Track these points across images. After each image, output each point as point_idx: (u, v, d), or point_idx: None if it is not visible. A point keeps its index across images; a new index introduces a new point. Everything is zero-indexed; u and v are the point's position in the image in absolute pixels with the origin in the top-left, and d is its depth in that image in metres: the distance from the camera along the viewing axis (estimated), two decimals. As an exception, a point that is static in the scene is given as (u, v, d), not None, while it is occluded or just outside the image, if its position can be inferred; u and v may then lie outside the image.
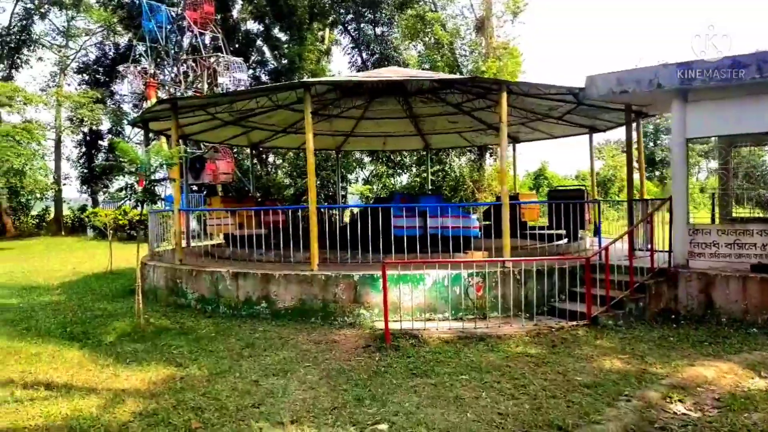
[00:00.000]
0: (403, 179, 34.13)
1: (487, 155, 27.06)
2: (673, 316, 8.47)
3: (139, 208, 8.53)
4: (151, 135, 15.04)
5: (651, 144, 52.01)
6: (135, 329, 8.11)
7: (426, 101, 15.60)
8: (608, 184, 40.20)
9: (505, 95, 9.02)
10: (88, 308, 10.05)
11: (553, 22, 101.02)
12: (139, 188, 8.87)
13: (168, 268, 10.26)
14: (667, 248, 9.13)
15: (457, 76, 14.22)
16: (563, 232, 12.31)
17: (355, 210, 17.40)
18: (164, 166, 8.87)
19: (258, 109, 13.90)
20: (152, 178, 8.32)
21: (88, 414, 5.05)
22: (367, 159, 34.53)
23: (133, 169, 8.16)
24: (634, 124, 12.27)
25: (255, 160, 36.50)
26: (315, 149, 23.80)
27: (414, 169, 31.60)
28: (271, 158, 36.50)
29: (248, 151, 35.66)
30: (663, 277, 8.69)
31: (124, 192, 9.12)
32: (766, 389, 5.62)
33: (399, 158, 31.73)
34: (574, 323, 8.06)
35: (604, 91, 9.11)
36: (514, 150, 18.37)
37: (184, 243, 11.24)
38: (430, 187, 21.26)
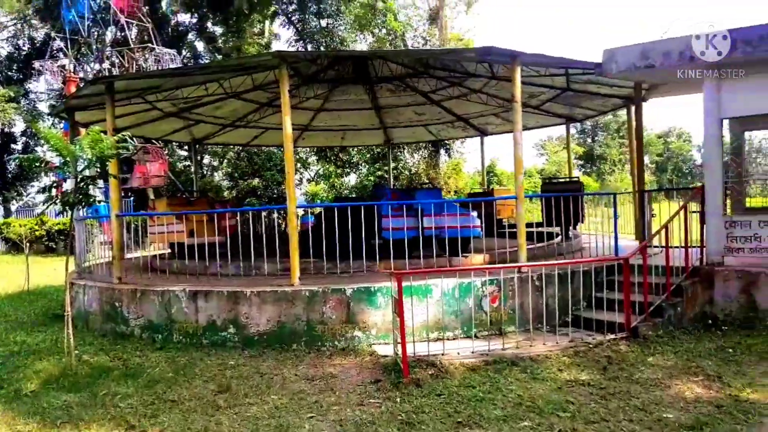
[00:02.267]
0: (351, 179, 32.58)
1: (442, 151, 25.99)
2: (710, 321, 7.42)
3: (66, 214, 6.51)
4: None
5: (589, 140, 53.10)
6: (65, 371, 6.19)
7: (393, 90, 14.19)
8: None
9: (519, 70, 7.71)
10: (1, 342, 7.93)
11: (514, 14, 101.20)
12: (59, 192, 6.95)
13: (104, 289, 8.27)
14: (683, 244, 8.08)
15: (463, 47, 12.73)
16: (556, 229, 11.19)
17: (308, 211, 15.76)
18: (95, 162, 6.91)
19: (206, 98, 12.02)
20: (84, 174, 6.43)
21: None
22: (312, 158, 32.73)
23: (58, 164, 6.26)
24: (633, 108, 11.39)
25: (191, 161, 34.02)
26: (262, 145, 21.90)
27: (364, 168, 30.09)
28: (206, 159, 34.01)
29: (180, 152, 33.33)
30: (697, 277, 7.64)
31: (48, 193, 7.09)
32: None
33: (347, 157, 30.12)
34: (612, 336, 6.83)
35: (625, 66, 7.99)
36: (482, 144, 17.26)
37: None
38: (393, 184, 19.88)
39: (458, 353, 6.32)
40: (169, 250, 10.73)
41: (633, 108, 12.13)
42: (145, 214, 10.24)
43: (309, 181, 33.38)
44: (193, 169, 17.99)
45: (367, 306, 7.03)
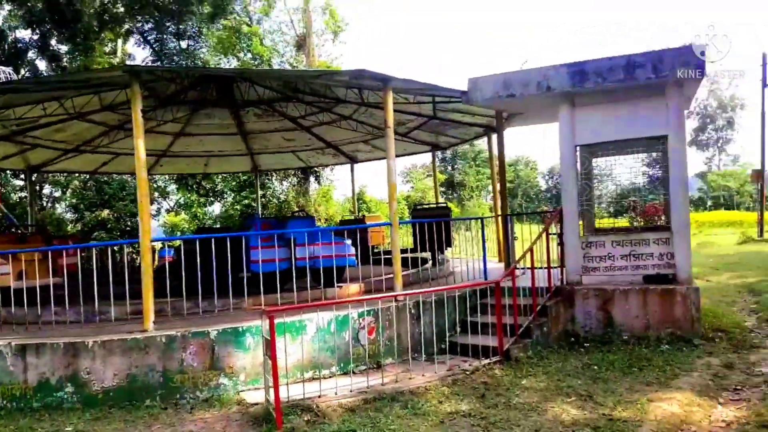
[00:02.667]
0: (216, 208, 30.98)
1: (312, 178, 25.63)
2: (573, 339, 7.75)
3: None
4: None
5: (449, 168, 55.94)
6: None
7: (260, 114, 13.65)
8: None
9: (391, 94, 7.62)
10: None
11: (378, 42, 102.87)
12: None
13: None
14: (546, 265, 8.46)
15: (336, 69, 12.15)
16: (425, 255, 11.27)
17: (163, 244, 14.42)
18: None
19: (44, 119, 10.60)
20: None
21: None
22: (172, 186, 30.66)
23: None
24: (494, 136, 11.92)
25: (27, 191, 30.10)
26: (112, 173, 20.03)
27: (230, 197, 28.74)
28: (46, 189, 30.47)
29: (16, 182, 29.41)
30: (559, 296, 7.97)
31: None
32: (739, 417, 4.89)
33: (211, 184, 28.56)
34: (487, 361, 6.84)
35: (489, 94, 8.26)
36: (352, 171, 17.20)
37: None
38: (261, 212, 19.03)
39: (336, 393, 5.91)
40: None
41: (494, 136, 12.81)
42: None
43: (168, 211, 31.27)
44: (28, 201, 15.83)
45: (234, 349, 6.37)
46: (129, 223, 25.01)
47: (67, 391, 6.09)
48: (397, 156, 16.65)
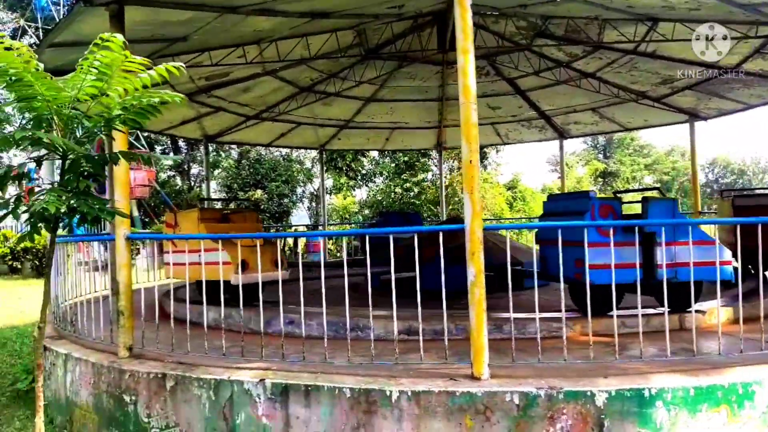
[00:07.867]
0: (362, 193, 28.86)
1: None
2: None
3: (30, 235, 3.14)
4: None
5: (601, 156, 50.81)
6: None
7: (479, 70, 10.94)
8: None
9: None
10: None
11: None
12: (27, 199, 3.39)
13: (101, 367, 4.65)
14: None
15: None
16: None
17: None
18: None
19: (238, 69, 8.60)
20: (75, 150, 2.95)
21: None
22: (316, 168, 29.04)
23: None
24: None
25: (175, 172, 29.86)
26: (287, 146, 18.32)
27: (378, 180, 26.51)
28: (194, 169, 30.16)
29: (163, 162, 29.09)
30: None
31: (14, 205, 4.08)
32: None
33: (358, 165, 26.39)
34: None
35: None
36: (561, 149, 14.01)
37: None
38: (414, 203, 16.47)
39: None
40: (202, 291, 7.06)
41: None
42: (188, 237, 6.49)
43: (313, 195, 29.82)
44: (205, 174, 14.34)
45: (637, 427, 3.60)
46: (279, 204, 23.64)
47: (367, 477, 3.65)
48: (629, 129, 13.43)
